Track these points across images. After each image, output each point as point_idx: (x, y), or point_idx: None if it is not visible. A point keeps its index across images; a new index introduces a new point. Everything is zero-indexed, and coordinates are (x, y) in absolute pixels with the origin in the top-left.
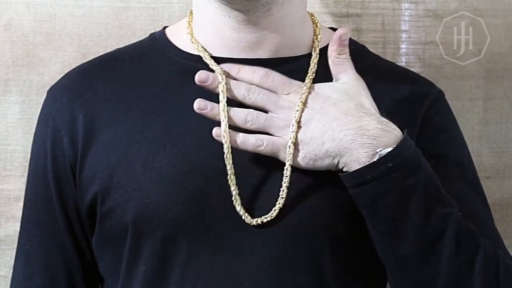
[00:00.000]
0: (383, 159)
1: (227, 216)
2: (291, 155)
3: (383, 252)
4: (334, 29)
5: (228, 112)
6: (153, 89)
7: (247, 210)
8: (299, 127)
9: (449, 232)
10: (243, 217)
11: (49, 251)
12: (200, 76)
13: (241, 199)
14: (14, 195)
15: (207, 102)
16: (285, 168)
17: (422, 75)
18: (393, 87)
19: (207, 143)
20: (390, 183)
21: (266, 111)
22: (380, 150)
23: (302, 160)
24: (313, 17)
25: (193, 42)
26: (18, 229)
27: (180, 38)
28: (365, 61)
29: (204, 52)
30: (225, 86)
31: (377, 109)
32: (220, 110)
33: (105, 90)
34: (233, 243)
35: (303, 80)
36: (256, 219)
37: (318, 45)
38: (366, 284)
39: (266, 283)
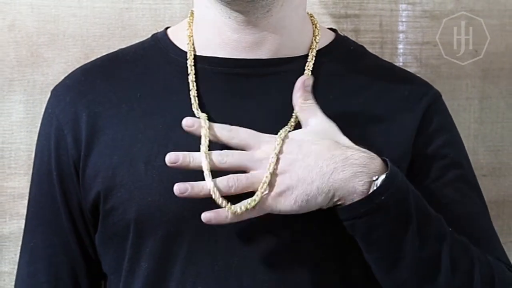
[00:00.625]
0: (377, 191)
1: None
2: (259, 197)
3: (380, 277)
4: (334, 30)
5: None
6: (155, 89)
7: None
8: (283, 173)
9: (444, 252)
10: (223, 206)
11: (53, 249)
12: (170, 158)
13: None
14: (18, 193)
15: (186, 184)
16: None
17: (419, 75)
18: (392, 87)
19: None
20: (385, 215)
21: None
22: (376, 178)
23: (295, 204)
24: (312, 18)
25: (188, 42)
26: (22, 226)
27: (181, 38)
28: (364, 61)
29: (192, 53)
30: (207, 132)
31: (353, 144)
32: (205, 175)
33: (108, 90)
34: (232, 241)
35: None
36: (236, 206)
37: (316, 46)
38: (363, 279)
39: (266, 280)
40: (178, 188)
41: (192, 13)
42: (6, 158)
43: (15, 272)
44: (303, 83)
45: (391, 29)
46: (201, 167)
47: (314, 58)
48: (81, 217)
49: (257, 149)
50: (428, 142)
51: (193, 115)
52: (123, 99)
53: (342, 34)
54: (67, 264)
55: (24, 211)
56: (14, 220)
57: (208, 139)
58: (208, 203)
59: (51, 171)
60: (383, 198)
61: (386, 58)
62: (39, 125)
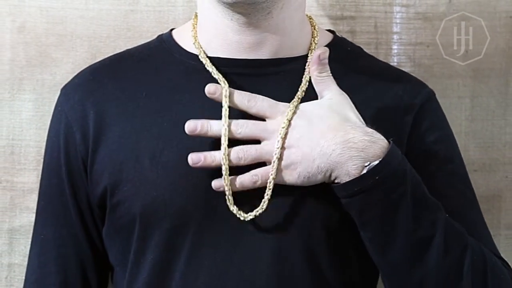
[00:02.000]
0: (371, 172)
1: (228, 210)
2: (272, 183)
3: (374, 257)
4: (332, 31)
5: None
6: (160, 88)
7: (240, 207)
8: (290, 148)
9: (437, 236)
10: (237, 215)
11: (62, 241)
12: (189, 126)
13: (234, 198)
14: (28, 188)
15: (200, 154)
16: (265, 194)
17: (413, 74)
18: (387, 86)
19: (211, 140)
20: (377, 195)
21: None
22: (368, 163)
23: (298, 179)
24: (311, 20)
25: (195, 43)
26: (32, 219)
27: (185, 39)
28: (360, 62)
29: (203, 53)
30: (227, 102)
31: (362, 121)
32: (222, 130)
33: (115, 88)
34: (234, 234)
35: (301, 79)
36: (249, 213)
37: (315, 47)
38: (360, 274)
39: (266, 272)
40: (191, 158)
41: (196, 15)
42: (16, 154)
43: (25, 263)
44: (319, 56)
45: (385, 30)
46: (219, 135)
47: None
48: (89, 211)
49: (273, 118)
50: (421, 139)
51: (194, 114)
52: (129, 98)
53: (340, 36)
54: (76, 256)
55: (34, 205)
56: (24, 214)
57: (228, 106)
58: (211, 197)
59: (60, 167)
60: (376, 178)
61: (381, 58)
62: (47, 122)
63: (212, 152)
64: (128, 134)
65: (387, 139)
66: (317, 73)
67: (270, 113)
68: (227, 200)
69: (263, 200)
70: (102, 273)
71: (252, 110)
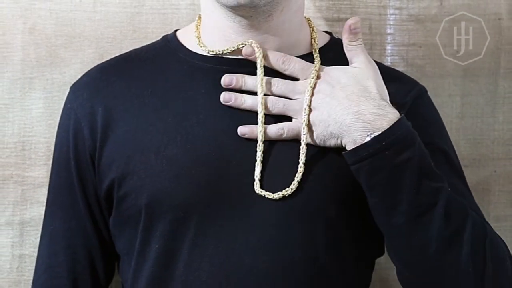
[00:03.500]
0: (375, 139)
1: (230, 202)
2: (306, 135)
3: (379, 221)
4: (329, 33)
5: (244, 100)
6: (165, 86)
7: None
8: (312, 110)
9: (439, 204)
10: (265, 196)
11: (71, 232)
12: (225, 80)
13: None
14: (38, 182)
15: (232, 93)
16: (301, 147)
17: (406, 73)
18: None
19: (213, 135)
20: (383, 160)
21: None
22: (371, 134)
23: (316, 139)
24: (309, 22)
25: (199, 44)
26: (42, 212)
27: (189, 40)
28: None
29: (207, 50)
30: (262, 60)
31: (382, 91)
32: (258, 83)
33: (122, 86)
34: (234, 225)
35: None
36: (278, 193)
37: (317, 47)
38: (355, 262)
39: (266, 260)
40: (224, 97)
41: (199, 17)
42: (26, 150)
43: (35, 254)
44: (350, 26)
45: (379, 31)
46: (253, 89)
47: (318, 56)
48: (96, 203)
49: (303, 79)
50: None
51: (197, 110)
52: (135, 95)
53: (336, 37)
54: (84, 246)
55: (43, 199)
56: (35, 207)
57: (263, 65)
58: (214, 189)
59: (69, 161)
60: (383, 144)
61: (375, 58)
62: (57, 119)
63: (244, 95)
64: (134, 130)
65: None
66: (348, 41)
67: (302, 75)
68: (255, 184)
69: (293, 182)
70: (109, 262)
71: (286, 72)
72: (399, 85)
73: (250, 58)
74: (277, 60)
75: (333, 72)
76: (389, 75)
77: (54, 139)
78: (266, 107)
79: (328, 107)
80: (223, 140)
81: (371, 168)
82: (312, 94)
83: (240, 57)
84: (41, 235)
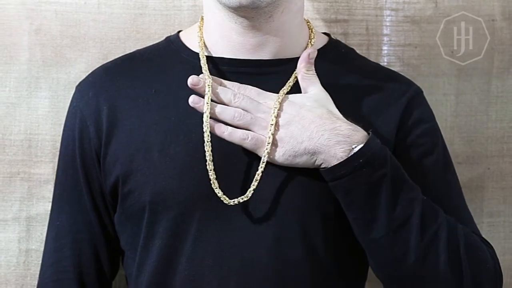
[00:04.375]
0: (355, 155)
1: (230, 199)
2: (267, 151)
3: (359, 236)
4: (327, 34)
5: (214, 108)
6: (169, 86)
7: (227, 192)
8: (279, 128)
9: (415, 214)
10: (221, 199)
11: (76, 227)
12: (192, 80)
13: (220, 183)
14: (44, 179)
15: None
16: (261, 162)
17: (402, 73)
18: (378, 85)
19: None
20: (361, 177)
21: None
22: (355, 146)
23: (282, 156)
24: (308, 23)
25: (199, 43)
26: (48, 208)
27: (192, 40)
28: (353, 62)
29: (203, 53)
30: (210, 86)
31: (342, 116)
32: (204, 103)
33: (126, 86)
34: (236, 222)
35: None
36: (233, 199)
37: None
38: (350, 255)
39: (264, 256)
40: (193, 98)
41: (202, 18)
42: (33, 148)
43: (41, 249)
44: (308, 55)
45: (376, 32)
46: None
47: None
48: (101, 199)
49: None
50: (408, 132)
51: (197, 111)
52: (140, 94)
53: (334, 38)
54: (89, 240)
55: (50, 195)
56: (41, 203)
57: (210, 94)
58: (213, 189)
59: (75, 158)
60: (361, 161)
61: (372, 58)
62: (63, 118)
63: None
64: (139, 128)
65: (367, 131)
66: (304, 70)
67: (259, 99)
68: (212, 184)
69: (254, 179)
70: (114, 257)
71: (235, 105)
72: (395, 85)
73: (195, 88)
74: (226, 93)
75: (295, 97)
76: (385, 75)
77: (59, 137)
78: (228, 115)
79: (300, 125)
80: (224, 139)
81: (349, 185)
82: (278, 114)
83: (241, 57)
84: (48, 230)
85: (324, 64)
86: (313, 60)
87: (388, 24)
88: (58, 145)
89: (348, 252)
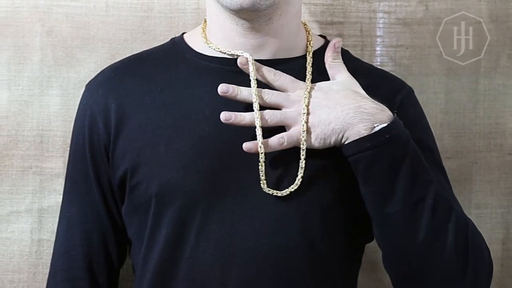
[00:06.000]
0: (381, 131)
1: (233, 191)
2: (304, 139)
3: (373, 209)
4: (323, 36)
5: (245, 116)
6: (174, 84)
7: (271, 184)
8: (308, 114)
9: (429, 195)
10: (273, 194)
11: (86, 218)
12: (222, 88)
13: (266, 175)
14: (55, 173)
15: (231, 113)
16: (301, 150)
17: (394, 73)
18: (372, 85)
19: (218, 129)
20: (386, 151)
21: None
22: (377, 125)
23: (315, 140)
24: (305, 26)
25: (207, 42)
26: (58, 200)
27: (196, 42)
28: (348, 64)
29: (221, 50)
30: (255, 75)
31: (368, 96)
32: (252, 94)
33: (133, 84)
34: (238, 212)
35: (299, 77)
36: (285, 190)
37: (311, 49)
38: (347, 246)
39: (265, 245)
40: (224, 115)
41: (205, 21)
42: (44, 143)
43: (53, 239)
44: (334, 45)
45: (370, 34)
46: (248, 100)
47: (312, 58)
48: (110, 191)
49: (293, 92)
50: None
51: (203, 107)
52: (146, 92)
53: (330, 40)
54: (98, 231)
55: (60, 188)
56: (52, 196)
57: (255, 78)
58: (219, 179)
59: (85, 153)
60: (387, 136)
61: (366, 59)
62: (73, 115)
63: (243, 113)
64: (146, 124)
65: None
66: (331, 59)
67: (290, 88)
68: (262, 184)
69: (298, 173)
70: (122, 246)
71: (276, 83)
72: (389, 86)
73: (243, 68)
74: (269, 72)
75: (323, 83)
76: (380, 76)
77: (70, 133)
78: (263, 120)
79: (327, 108)
80: (227, 134)
81: (372, 158)
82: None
83: None
84: (59, 221)
85: (321, 64)
86: (339, 49)
87: (381, 26)
88: (69, 140)
89: (345, 243)
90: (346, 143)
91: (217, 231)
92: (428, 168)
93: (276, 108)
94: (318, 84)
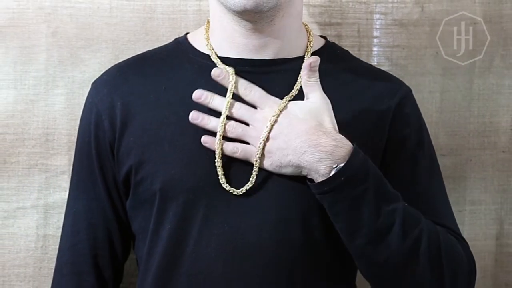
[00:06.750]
0: (337, 174)
1: (234, 186)
2: (258, 162)
3: (345, 242)
4: (324, 37)
5: (210, 122)
6: (177, 83)
7: (233, 181)
8: (269, 139)
9: (396, 223)
10: (230, 191)
11: (91, 213)
12: (195, 94)
13: (226, 175)
14: (61, 170)
15: (200, 114)
16: (253, 171)
17: (390, 72)
18: (371, 84)
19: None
20: (343, 193)
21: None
22: (336, 166)
23: (270, 166)
24: (306, 27)
25: (207, 45)
26: (64, 197)
27: (199, 42)
28: (348, 63)
29: (214, 53)
30: (233, 86)
31: (334, 126)
32: (223, 106)
33: (138, 83)
34: (240, 207)
35: (296, 77)
36: (241, 189)
37: (311, 50)
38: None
39: (267, 238)
40: (192, 115)
41: (208, 21)
42: (50, 141)
43: (58, 234)
44: (310, 63)
45: (367, 34)
46: (219, 109)
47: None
48: (115, 187)
49: (261, 109)
50: (399, 128)
51: (204, 106)
52: (151, 91)
53: (331, 41)
54: (103, 226)
55: (66, 185)
56: (57, 192)
57: (232, 89)
58: (218, 177)
59: (90, 150)
60: (342, 179)
61: (363, 59)
62: (78, 113)
63: (210, 117)
64: (150, 122)
65: (352, 142)
66: (306, 77)
67: (259, 104)
68: (220, 180)
69: (251, 176)
70: (126, 240)
71: (246, 98)
72: (387, 85)
73: (218, 80)
74: (241, 85)
75: (291, 107)
76: (378, 76)
77: (75, 131)
78: (226, 130)
79: (287, 138)
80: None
81: (333, 199)
82: (271, 127)
83: (244, 57)
84: (65, 216)
85: (321, 64)
86: (315, 68)
87: (378, 27)
88: (74, 138)
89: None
90: (308, 178)
91: (219, 225)
92: (393, 193)
93: (243, 122)
94: (290, 105)
